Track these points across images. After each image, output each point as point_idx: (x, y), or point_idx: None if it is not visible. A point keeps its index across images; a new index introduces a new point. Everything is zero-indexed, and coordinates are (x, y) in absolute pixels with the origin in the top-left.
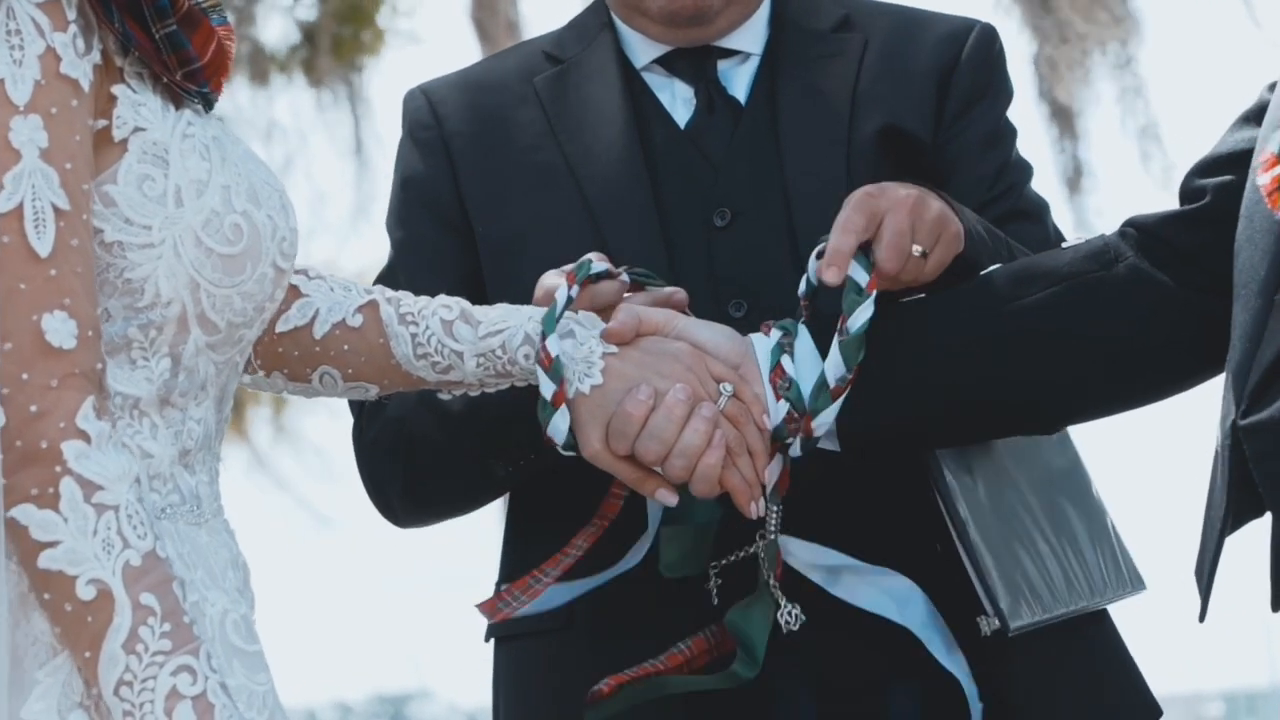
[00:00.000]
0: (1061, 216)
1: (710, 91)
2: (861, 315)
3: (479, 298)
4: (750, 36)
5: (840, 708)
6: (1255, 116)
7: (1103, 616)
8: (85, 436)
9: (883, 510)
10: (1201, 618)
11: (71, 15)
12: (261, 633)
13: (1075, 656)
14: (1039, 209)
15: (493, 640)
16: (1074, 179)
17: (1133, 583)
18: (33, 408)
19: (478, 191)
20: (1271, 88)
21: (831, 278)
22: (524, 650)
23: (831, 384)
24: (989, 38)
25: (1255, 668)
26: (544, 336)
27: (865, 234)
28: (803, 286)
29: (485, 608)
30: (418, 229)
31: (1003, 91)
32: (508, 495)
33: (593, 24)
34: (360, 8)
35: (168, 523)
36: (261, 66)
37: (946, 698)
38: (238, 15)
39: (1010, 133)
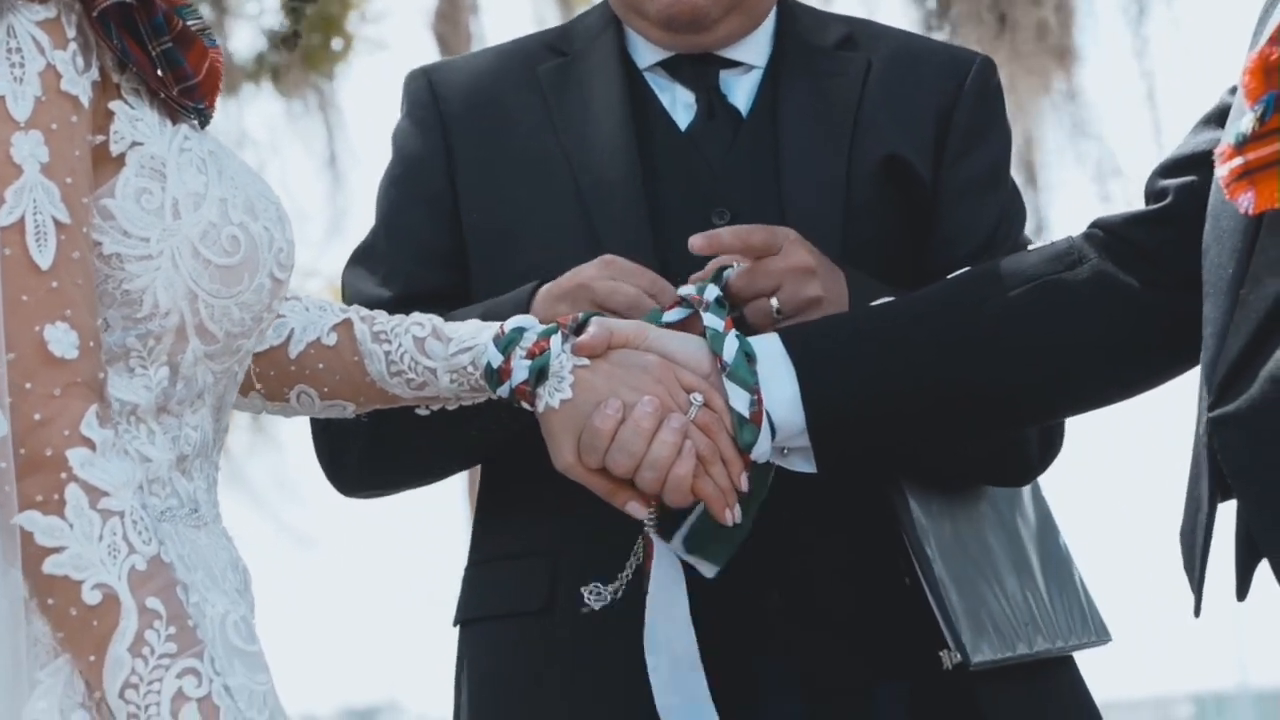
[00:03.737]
0: None
1: (711, 98)
2: (730, 349)
3: (459, 282)
4: (754, 49)
5: (827, 707)
6: (1217, 118)
7: (1069, 662)
8: (90, 444)
9: (850, 544)
10: (1196, 612)
11: (71, 33)
12: None
13: (1044, 700)
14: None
15: (459, 627)
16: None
17: (1098, 633)
18: (37, 416)
19: (471, 177)
20: (1232, 91)
21: (697, 244)
22: (497, 632)
23: (747, 414)
24: (986, 73)
25: (1224, 670)
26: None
27: (747, 253)
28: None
29: None
30: (404, 209)
31: (1002, 130)
32: (479, 482)
33: (598, 22)
34: (330, 16)
35: (168, 525)
36: (232, 77)
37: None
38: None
39: (1008, 172)
